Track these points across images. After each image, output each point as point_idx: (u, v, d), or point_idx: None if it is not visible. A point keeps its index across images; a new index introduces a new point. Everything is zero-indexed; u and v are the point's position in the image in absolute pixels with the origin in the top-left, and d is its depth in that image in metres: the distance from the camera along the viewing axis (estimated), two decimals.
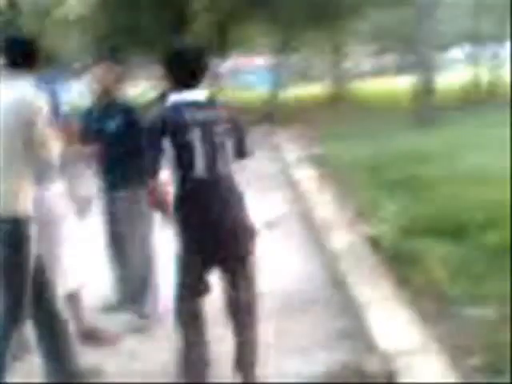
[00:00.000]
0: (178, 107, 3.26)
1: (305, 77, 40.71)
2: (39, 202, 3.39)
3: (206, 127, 3.23)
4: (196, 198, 3.25)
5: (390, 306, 4.14)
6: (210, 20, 28.81)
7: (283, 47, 21.20)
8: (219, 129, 3.26)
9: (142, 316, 4.36)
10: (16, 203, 3.17)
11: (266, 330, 4.14)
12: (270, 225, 6.97)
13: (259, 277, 3.51)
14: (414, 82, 13.33)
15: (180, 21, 24.22)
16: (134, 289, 4.41)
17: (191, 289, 3.37)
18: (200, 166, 3.20)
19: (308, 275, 5.25)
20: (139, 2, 20.76)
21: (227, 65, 43.02)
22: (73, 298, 4.07)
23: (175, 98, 3.30)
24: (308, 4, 21.39)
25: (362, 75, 34.02)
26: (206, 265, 3.34)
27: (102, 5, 22.31)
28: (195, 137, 3.20)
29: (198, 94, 3.31)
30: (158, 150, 3.21)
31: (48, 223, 3.67)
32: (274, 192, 8.73)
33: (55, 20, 26.19)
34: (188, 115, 3.22)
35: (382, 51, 54.68)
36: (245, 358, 3.42)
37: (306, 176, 9.10)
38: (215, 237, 3.28)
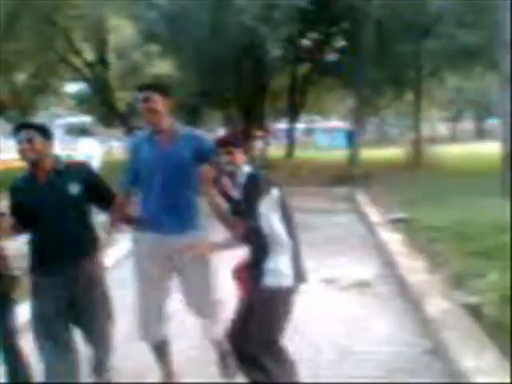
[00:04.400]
0: None
1: (381, 140, 40.83)
2: None
3: None
4: None
5: (496, 376, 4.04)
6: (286, 84, 29.50)
7: (360, 110, 21.35)
8: None
9: None
10: None
11: None
12: (364, 285, 7.01)
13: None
14: (501, 149, 13.13)
15: (257, 86, 24.86)
16: None
17: None
18: None
19: (407, 341, 5.21)
20: (220, 69, 21.39)
21: (301, 126, 43.72)
22: None
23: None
24: (385, 67, 21.61)
25: (438, 140, 33.75)
26: None
27: (185, 67, 23.07)
28: None
29: None
30: None
31: None
32: (363, 253, 8.77)
33: (143, 78, 27.19)
34: None
35: (458, 117, 54.51)
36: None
37: (393, 239, 9.05)
38: None
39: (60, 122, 41.19)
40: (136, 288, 4.18)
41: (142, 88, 4.00)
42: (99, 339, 4.05)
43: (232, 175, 3.71)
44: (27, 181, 3.87)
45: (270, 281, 3.52)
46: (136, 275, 4.17)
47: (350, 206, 14.15)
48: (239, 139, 3.78)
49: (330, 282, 7.26)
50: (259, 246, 3.53)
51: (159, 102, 3.96)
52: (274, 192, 3.58)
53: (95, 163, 12.72)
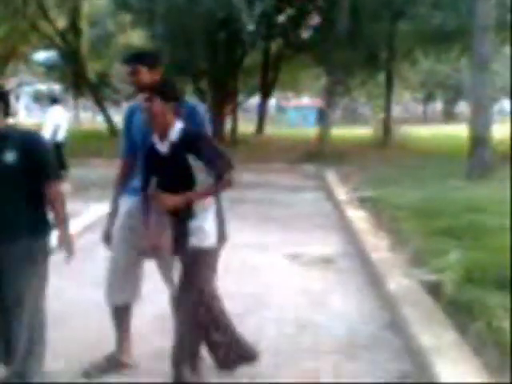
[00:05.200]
0: None
1: (352, 120, 40.98)
2: None
3: None
4: None
5: (453, 355, 4.10)
6: (259, 59, 29.39)
7: (332, 89, 21.35)
8: None
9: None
10: None
11: (324, 369, 4.19)
12: (326, 261, 7.06)
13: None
14: (469, 131, 13.24)
15: (230, 61, 24.71)
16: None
17: None
18: None
19: (366, 316, 5.27)
20: (195, 41, 21.17)
21: (273, 103, 43.70)
22: None
23: None
24: (359, 47, 21.60)
25: (409, 121, 33.98)
26: None
27: (158, 38, 22.84)
28: None
29: None
30: None
31: None
32: (328, 230, 8.83)
33: (117, 47, 26.93)
34: None
35: (429, 99, 54.88)
36: None
37: (358, 217, 9.12)
38: None
39: (28, 89, 40.55)
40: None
41: (128, 60, 3.92)
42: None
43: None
44: None
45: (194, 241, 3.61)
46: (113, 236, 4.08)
47: (318, 183, 14.21)
48: (170, 90, 3.61)
49: (293, 257, 7.30)
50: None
51: (146, 75, 3.86)
52: None
53: (62, 132, 12.52)
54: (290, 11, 25.40)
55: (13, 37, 27.57)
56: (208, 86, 26.85)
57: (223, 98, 25.85)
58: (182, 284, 3.69)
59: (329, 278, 6.52)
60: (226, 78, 25.31)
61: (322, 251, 7.53)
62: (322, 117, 22.60)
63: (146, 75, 3.86)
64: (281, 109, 49.73)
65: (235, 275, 6.41)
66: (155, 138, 3.60)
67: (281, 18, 25.84)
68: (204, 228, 3.63)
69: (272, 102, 40.56)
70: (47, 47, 31.02)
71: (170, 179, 3.60)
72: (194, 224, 3.60)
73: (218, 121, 26.38)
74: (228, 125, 26.52)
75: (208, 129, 3.93)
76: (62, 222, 3.62)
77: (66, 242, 3.63)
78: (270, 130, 32.97)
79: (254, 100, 36.08)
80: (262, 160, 18.47)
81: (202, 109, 4.02)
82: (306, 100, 50.34)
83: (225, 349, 3.91)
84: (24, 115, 41.98)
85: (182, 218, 3.60)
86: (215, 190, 3.67)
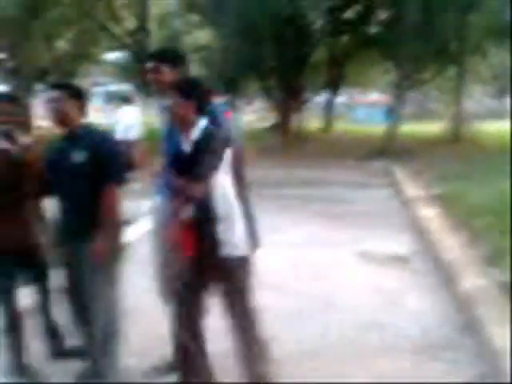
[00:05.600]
0: None
1: (422, 115, 40.22)
2: None
3: None
4: None
5: None
6: (326, 57, 29.23)
7: (401, 84, 21.03)
8: None
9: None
10: None
11: (403, 369, 4.13)
12: (398, 259, 6.96)
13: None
14: None
15: (297, 57, 24.64)
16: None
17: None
18: None
19: (442, 317, 5.16)
20: (262, 39, 21.23)
21: (342, 99, 43.32)
22: None
23: None
24: (429, 41, 21.18)
25: (482, 116, 33.07)
26: None
27: (226, 37, 23.00)
28: None
29: None
30: None
31: None
32: (398, 228, 8.70)
33: (184, 47, 27.26)
34: None
35: (501, 93, 53.30)
36: None
37: (430, 214, 8.95)
38: None
39: (100, 89, 41.44)
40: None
41: (151, 58, 3.87)
42: None
43: None
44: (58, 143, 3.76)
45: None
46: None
47: (387, 180, 14.01)
48: (190, 88, 3.48)
49: (363, 255, 7.22)
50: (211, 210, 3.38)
51: (167, 74, 3.77)
52: (228, 152, 3.41)
53: (135, 132, 12.71)
54: (357, 6, 25.18)
55: (83, 38, 28.25)
56: (275, 84, 26.87)
57: (290, 95, 25.83)
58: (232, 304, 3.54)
59: (401, 276, 6.42)
60: (293, 74, 25.27)
61: (393, 249, 7.42)
62: (391, 112, 22.29)
63: (168, 74, 3.77)
64: (348, 105, 49.25)
65: (305, 273, 6.40)
66: (180, 137, 3.52)
67: (348, 14, 25.65)
68: (234, 235, 3.43)
69: (339, 98, 40.18)
70: (118, 48, 31.62)
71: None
72: (222, 230, 3.40)
73: (284, 118, 26.42)
74: (295, 122, 26.47)
75: (227, 129, 3.68)
76: (106, 228, 3.57)
77: (105, 251, 3.55)
78: (337, 126, 32.75)
79: (322, 97, 35.85)
80: (329, 157, 18.37)
81: (224, 108, 3.87)
82: (374, 96, 49.68)
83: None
84: (96, 115, 42.93)
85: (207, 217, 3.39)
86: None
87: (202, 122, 3.46)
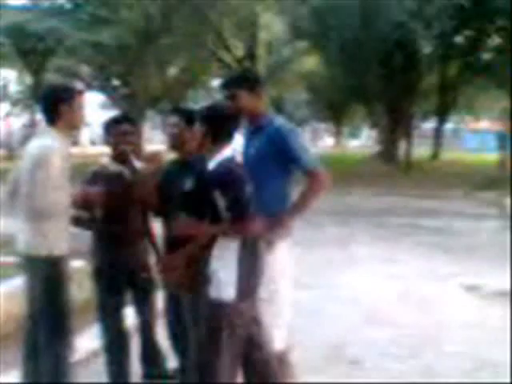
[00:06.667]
0: None
1: None
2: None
3: None
4: None
5: None
6: (435, 83, 28.65)
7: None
8: None
9: None
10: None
11: None
12: (506, 294, 6.59)
13: None
14: None
15: (406, 84, 24.31)
16: None
17: None
18: None
19: None
20: (369, 65, 21.11)
21: (449, 126, 42.32)
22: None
23: None
24: None
25: None
26: None
27: (332, 63, 23.05)
28: None
29: None
30: None
31: None
32: (509, 262, 8.29)
33: (292, 73, 27.62)
34: None
35: None
36: None
37: None
38: None
39: None
40: None
41: (226, 84, 3.71)
42: None
43: None
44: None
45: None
46: None
47: (498, 211, 13.45)
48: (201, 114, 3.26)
49: (471, 288, 6.92)
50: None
51: (245, 99, 3.56)
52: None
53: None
54: (468, 31, 24.58)
55: (194, 66, 29.05)
56: (382, 110, 26.59)
57: (397, 122, 25.47)
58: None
59: (509, 312, 6.08)
60: (401, 101, 24.91)
61: (502, 284, 7.05)
62: (504, 140, 21.52)
63: (246, 99, 3.58)
64: (457, 133, 48.03)
65: (410, 305, 6.21)
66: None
67: (458, 39, 25.07)
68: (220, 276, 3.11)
69: (448, 125, 39.26)
70: (226, 75, 32.35)
71: None
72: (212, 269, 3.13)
73: (391, 145, 26.04)
74: (402, 149, 26.04)
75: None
76: None
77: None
78: (446, 154, 31.92)
79: (430, 124, 35.17)
80: (438, 186, 17.90)
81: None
82: (484, 123, 48.23)
83: None
84: None
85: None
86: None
87: (226, 152, 3.20)
